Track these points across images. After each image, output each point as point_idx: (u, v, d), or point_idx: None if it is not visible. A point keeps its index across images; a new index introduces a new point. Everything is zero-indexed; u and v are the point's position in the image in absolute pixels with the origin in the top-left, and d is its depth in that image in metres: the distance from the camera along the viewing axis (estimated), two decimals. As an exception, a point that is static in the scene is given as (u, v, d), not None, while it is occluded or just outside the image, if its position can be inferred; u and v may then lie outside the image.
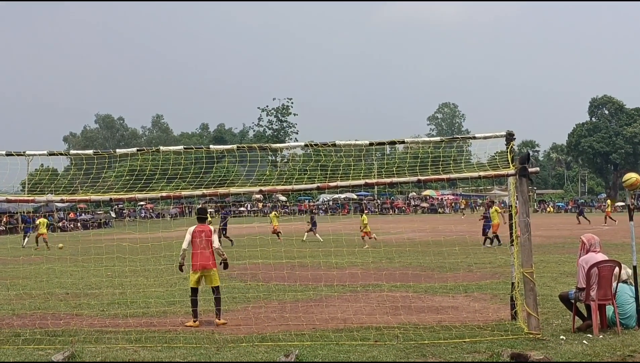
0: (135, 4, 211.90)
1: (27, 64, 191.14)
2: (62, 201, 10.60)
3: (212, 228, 11.09)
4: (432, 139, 10.56)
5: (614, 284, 9.14)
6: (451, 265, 17.36)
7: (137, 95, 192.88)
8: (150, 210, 75.58)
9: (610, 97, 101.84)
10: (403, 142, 10.29)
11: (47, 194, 10.51)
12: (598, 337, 8.62)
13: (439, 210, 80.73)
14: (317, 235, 29.93)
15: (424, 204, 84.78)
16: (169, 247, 11.32)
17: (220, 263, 10.96)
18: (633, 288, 9.33)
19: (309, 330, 9.68)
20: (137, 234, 31.57)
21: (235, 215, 67.55)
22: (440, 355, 7.95)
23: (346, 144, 9.80)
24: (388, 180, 9.78)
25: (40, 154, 10.15)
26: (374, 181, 10.06)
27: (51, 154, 10.19)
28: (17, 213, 43.59)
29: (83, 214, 61.82)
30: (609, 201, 50.51)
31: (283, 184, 10.75)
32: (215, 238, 10.91)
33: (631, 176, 9.67)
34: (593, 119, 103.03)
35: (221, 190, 10.24)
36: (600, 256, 9.26)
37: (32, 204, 10.78)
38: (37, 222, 31.92)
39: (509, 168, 9.28)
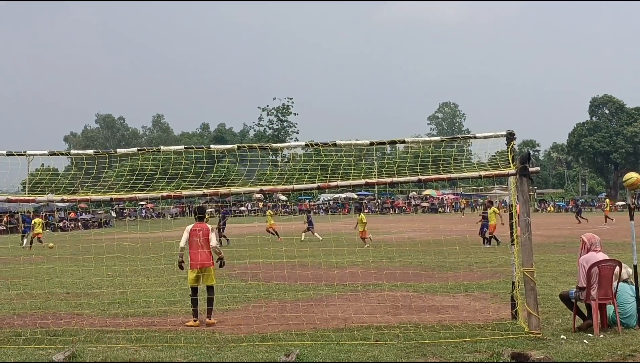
0: (135, 4, 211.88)
1: (28, 64, 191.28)
2: (62, 200, 10.61)
3: (209, 226, 11.11)
4: (432, 138, 10.56)
5: (615, 283, 9.15)
6: (452, 264, 17.37)
7: (137, 95, 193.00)
8: (151, 210, 75.61)
9: (610, 97, 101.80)
10: (404, 141, 10.29)
11: (48, 194, 10.50)
12: (599, 337, 8.62)
13: (440, 210, 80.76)
14: (315, 234, 29.91)
15: (425, 204, 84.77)
16: (170, 247, 11.33)
17: (217, 261, 10.95)
18: (633, 287, 9.34)
19: (309, 329, 9.69)
20: (137, 233, 31.58)
21: (236, 215, 67.57)
22: (441, 355, 7.96)
23: (347, 144, 9.81)
24: (388, 180, 9.78)
25: (40, 154, 10.16)
26: (374, 180, 10.06)
27: (52, 154, 10.19)
28: (17, 212, 43.57)
29: (84, 214, 61.85)
30: (607, 200, 50.53)
31: (283, 184, 10.75)
32: (213, 236, 10.92)
33: (632, 176, 9.67)
34: (593, 118, 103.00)
35: (222, 190, 10.25)
36: (601, 256, 9.26)
37: (32, 204, 10.79)
38: (32, 222, 32.00)
39: (510, 167, 9.28)
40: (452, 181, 9.95)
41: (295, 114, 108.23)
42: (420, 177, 9.67)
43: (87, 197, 10.11)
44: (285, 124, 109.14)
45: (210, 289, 10.62)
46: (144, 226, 45.41)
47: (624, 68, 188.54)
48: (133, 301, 12.62)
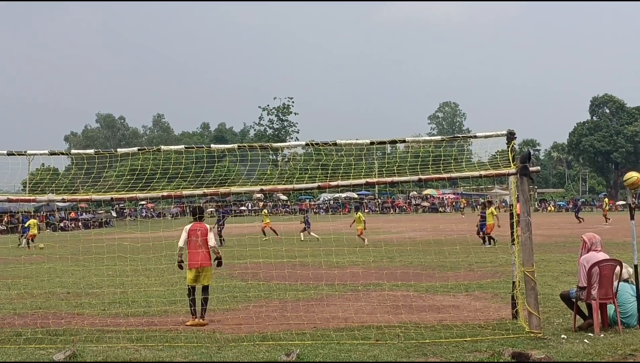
0: (135, 4, 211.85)
1: (28, 64, 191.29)
2: (63, 200, 10.61)
3: (208, 226, 11.11)
4: (433, 138, 10.56)
5: (615, 283, 9.14)
6: (452, 264, 17.37)
7: (138, 94, 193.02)
8: (151, 209, 75.62)
9: (611, 96, 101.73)
10: (404, 141, 10.30)
11: (48, 193, 10.51)
12: (599, 336, 8.62)
13: (440, 209, 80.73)
14: (312, 233, 29.90)
15: (425, 204, 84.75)
16: (170, 246, 11.34)
17: (214, 260, 10.94)
18: (634, 287, 9.34)
19: (310, 329, 9.69)
20: (138, 233, 31.59)
21: (236, 214, 67.55)
22: (441, 354, 7.96)
23: (347, 144, 9.80)
24: (389, 179, 9.78)
25: (41, 154, 10.16)
26: (374, 180, 10.05)
27: (52, 153, 10.19)
28: (18, 212, 43.63)
29: (84, 213, 61.85)
30: (605, 200, 50.51)
31: (284, 184, 10.74)
32: (211, 236, 10.93)
33: (632, 175, 9.67)
34: (594, 118, 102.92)
35: (222, 189, 10.25)
36: (602, 255, 9.26)
37: (33, 203, 10.80)
38: (27, 223, 32.06)
39: (510, 167, 9.28)
40: (452, 180, 9.92)
41: (295, 113, 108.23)
42: (421, 176, 9.66)
43: (88, 197, 10.11)
44: (285, 123, 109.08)
45: (205, 289, 10.63)
46: (144, 225, 45.43)
47: (624, 68, 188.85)
48: (133, 301, 12.63)
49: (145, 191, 10.32)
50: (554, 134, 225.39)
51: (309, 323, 10.13)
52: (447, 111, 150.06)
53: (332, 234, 25.63)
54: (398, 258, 19.59)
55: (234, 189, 10.58)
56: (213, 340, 9.04)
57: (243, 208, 76.30)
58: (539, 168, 10.43)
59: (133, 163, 16.82)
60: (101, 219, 59.95)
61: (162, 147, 10.00)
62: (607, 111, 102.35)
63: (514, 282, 9.99)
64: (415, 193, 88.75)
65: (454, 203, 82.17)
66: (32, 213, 39.02)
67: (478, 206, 28.30)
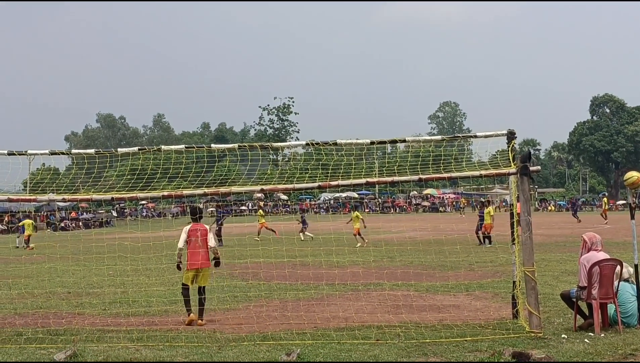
0: (135, 4, 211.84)
1: (28, 64, 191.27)
2: (63, 200, 10.62)
3: (207, 227, 11.11)
4: (433, 138, 10.57)
5: (616, 282, 9.14)
6: (452, 263, 17.37)
7: (138, 94, 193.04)
8: (152, 209, 75.63)
9: (611, 96, 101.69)
10: (404, 141, 10.30)
11: (49, 193, 10.52)
12: (599, 336, 8.62)
13: (440, 209, 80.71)
14: (307, 233, 29.89)
15: (425, 203, 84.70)
16: (171, 246, 11.38)
17: (212, 260, 10.94)
18: (634, 286, 9.34)
19: (310, 329, 9.70)
20: (138, 233, 31.60)
21: (237, 214, 67.57)
22: (442, 354, 7.96)
23: (347, 143, 9.81)
24: (389, 179, 9.77)
25: (42, 154, 10.17)
26: (375, 179, 10.05)
27: (53, 153, 10.20)
28: (18, 212, 43.65)
29: (85, 213, 61.85)
30: (604, 199, 50.49)
31: (284, 183, 10.75)
32: (211, 236, 10.95)
33: (632, 175, 9.68)
34: (594, 117, 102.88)
35: (222, 189, 10.26)
36: (602, 255, 9.26)
37: (33, 203, 10.80)
38: (21, 223, 32.10)
39: (510, 166, 9.28)
40: (452, 180, 9.93)
41: (295, 113, 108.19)
42: (421, 176, 9.66)
43: (88, 196, 10.11)
44: (286, 123, 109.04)
45: (202, 290, 10.62)
46: (145, 225, 45.43)
47: (624, 68, 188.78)
48: (134, 300, 12.64)
49: (145, 191, 10.32)
50: (554, 134, 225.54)
51: (309, 322, 10.14)
52: (447, 111, 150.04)
53: (333, 234, 25.60)
54: (398, 257, 19.60)
55: (234, 189, 10.58)
56: (214, 340, 9.05)
57: (243, 207, 76.28)
58: (539, 167, 10.42)
59: (133, 162, 16.83)
60: (102, 219, 59.95)
61: (163, 147, 10.01)
62: (608, 110, 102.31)
63: (514, 282, 9.99)
64: (415, 192, 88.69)
65: (454, 203, 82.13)
66: (33, 213, 39.01)
67: (478, 206, 28.30)
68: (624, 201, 72.96)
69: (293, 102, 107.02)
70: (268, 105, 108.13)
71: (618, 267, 9.16)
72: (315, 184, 9.78)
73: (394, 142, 10.07)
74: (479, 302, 11.83)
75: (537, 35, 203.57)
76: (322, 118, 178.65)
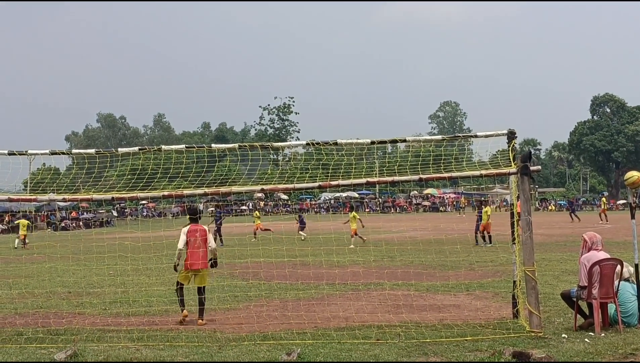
0: (135, 4, 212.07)
1: (28, 64, 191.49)
2: (64, 200, 10.62)
3: (206, 227, 11.11)
4: (433, 137, 10.57)
5: (616, 282, 9.14)
6: (453, 263, 17.37)
7: (138, 94, 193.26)
8: (152, 209, 75.65)
9: (612, 96, 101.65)
10: (404, 140, 10.30)
11: (50, 193, 10.52)
12: (600, 335, 8.62)
13: (441, 209, 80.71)
14: (301, 232, 29.87)
15: (426, 203, 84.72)
16: (171, 246, 11.39)
17: (210, 260, 10.96)
18: (635, 286, 9.34)
19: (310, 328, 9.70)
20: (139, 233, 31.60)
21: (237, 214, 67.61)
22: (442, 354, 7.96)
23: (348, 143, 9.81)
24: (390, 179, 9.77)
25: (42, 154, 10.17)
26: (375, 179, 10.05)
27: (53, 153, 10.20)
28: (19, 212, 43.69)
29: (85, 213, 61.89)
30: (603, 199, 50.49)
31: (285, 183, 10.75)
32: (210, 237, 10.96)
33: (633, 175, 9.68)
34: (595, 117, 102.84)
35: (223, 189, 10.26)
36: (602, 255, 9.26)
37: (34, 203, 10.81)
38: (16, 223, 32.14)
39: (511, 166, 9.28)
40: (453, 180, 9.93)
41: (296, 113, 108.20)
42: (422, 176, 9.66)
43: (89, 196, 10.12)
44: (286, 123, 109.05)
45: (201, 290, 10.63)
46: (145, 225, 45.43)
47: (624, 67, 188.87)
48: (134, 300, 12.64)
49: (146, 191, 10.33)
50: (555, 134, 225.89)
51: (309, 322, 10.14)
52: (447, 111, 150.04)
53: (333, 233, 25.59)
54: (399, 257, 19.60)
55: (234, 188, 10.59)
56: (214, 340, 9.05)
57: (244, 207, 76.29)
58: (539, 167, 10.43)
59: (134, 162, 16.82)
60: (102, 218, 59.95)
61: (163, 147, 10.01)
62: (608, 110, 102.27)
63: (514, 281, 9.99)
64: (416, 192, 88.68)
65: (454, 203, 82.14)
66: (33, 212, 39.03)
67: (476, 206, 28.37)
68: (624, 201, 72.93)
69: (293, 102, 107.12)
70: (268, 105, 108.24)
71: (618, 267, 9.16)
72: (316, 184, 9.78)
73: (394, 142, 10.07)
74: (479, 302, 11.82)
75: (537, 35, 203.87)
76: (323, 118, 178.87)
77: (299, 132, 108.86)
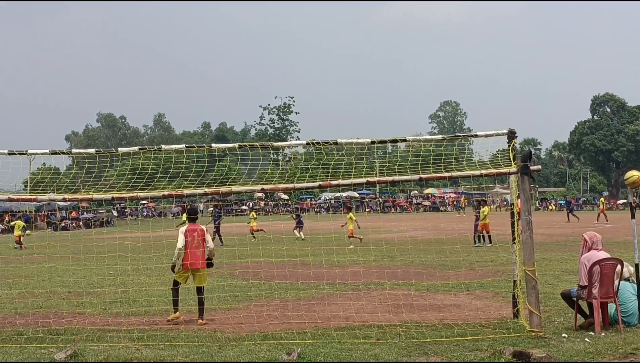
0: (135, 4, 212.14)
1: (28, 64, 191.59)
2: (64, 199, 10.61)
3: (204, 227, 11.11)
4: (433, 137, 10.56)
5: (616, 282, 9.14)
6: (453, 263, 17.36)
7: (138, 94, 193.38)
8: (152, 209, 75.65)
9: (612, 95, 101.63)
10: (405, 140, 10.30)
11: (50, 193, 10.52)
12: (600, 335, 8.61)
13: (441, 208, 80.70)
14: (295, 231, 29.85)
15: (426, 203, 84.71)
16: (171, 246, 11.41)
17: (206, 260, 10.96)
18: (635, 285, 9.34)
19: (311, 328, 9.70)
20: (139, 232, 31.61)
21: (237, 214, 67.60)
22: (442, 353, 7.95)
23: (348, 143, 9.80)
24: (390, 178, 9.77)
25: (42, 153, 10.16)
26: (375, 179, 10.04)
27: (53, 153, 10.20)
28: (19, 211, 43.71)
29: (85, 213, 61.91)
30: (601, 199, 50.47)
31: (285, 183, 10.74)
32: (209, 238, 10.97)
33: (633, 174, 9.68)
34: (595, 117, 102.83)
35: (223, 189, 10.25)
36: (603, 254, 9.25)
37: (34, 203, 10.81)
38: (12, 224, 32.17)
39: (511, 166, 9.28)
40: (453, 179, 9.93)
41: (296, 113, 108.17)
42: (422, 176, 9.66)
43: (89, 196, 10.11)
44: (286, 123, 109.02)
45: (200, 290, 10.64)
46: (145, 225, 45.45)
47: (624, 67, 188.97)
48: (135, 300, 12.64)
49: (146, 191, 10.32)
50: (555, 133, 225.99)
51: (310, 322, 10.14)
52: (448, 110, 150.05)
53: (333, 233, 25.59)
54: (399, 257, 19.60)
55: (234, 188, 10.58)
56: (214, 339, 9.05)
57: (244, 207, 76.27)
58: (539, 166, 10.42)
59: (134, 162, 16.82)
60: (102, 218, 59.96)
61: (163, 146, 10.00)
62: (608, 109, 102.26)
63: (515, 281, 9.99)
64: (416, 192, 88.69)
65: (455, 202, 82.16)
66: (33, 212, 39.05)
67: (474, 206, 28.41)
68: (624, 201, 72.92)
69: (294, 101, 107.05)
70: (269, 105, 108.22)
71: (619, 266, 9.15)
72: (316, 184, 9.77)
73: (394, 141, 10.06)
74: (479, 301, 11.82)
75: (537, 35, 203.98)
76: (323, 118, 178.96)
77: (299, 132, 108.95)
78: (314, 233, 29.98)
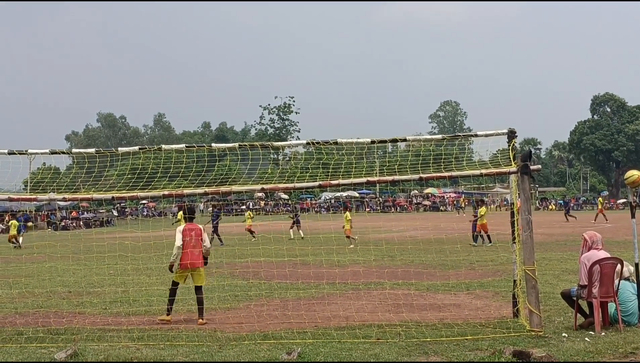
0: (135, 4, 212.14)
1: (28, 64, 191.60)
2: (64, 199, 10.62)
3: (201, 227, 11.12)
4: (434, 137, 10.55)
5: (616, 281, 9.14)
6: (453, 262, 17.36)
7: (139, 94, 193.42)
8: (153, 208, 75.66)
9: (612, 95, 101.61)
10: (405, 140, 10.29)
11: (50, 193, 10.52)
12: (600, 335, 8.62)
13: (441, 208, 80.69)
14: (291, 231, 29.80)
15: (426, 202, 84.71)
16: (171, 245, 11.42)
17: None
18: (635, 285, 9.34)
19: (311, 327, 9.70)
20: (139, 232, 31.60)
21: (237, 214, 67.64)
22: (442, 353, 7.96)
23: (348, 142, 9.80)
24: (390, 178, 9.77)
25: (42, 153, 10.16)
26: (375, 178, 10.04)
27: (53, 152, 10.19)
28: (19, 211, 43.72)
29: (85, 212, 61.94)
30: (599, 199, 50.47)
31: (285, 183, 10.75)
32: (206, 237, 10.98)
33: (633, 174, 9.68)
34: (595, 116, 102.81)
35: (223, 188, 10.25)
36: (603, 254, 9.26)
37: (34, 203, 10.82)
38: (9, 224, 32.16)
39: (511, 165, 9.28)
40: (453, 179, 9.93)
41: (296, 113, 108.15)
42: (422, 175, 9.66)
43: (89, 196, 10.12)
44: (286, 122, 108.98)
45: (199, 289, 10.64)
46: (145, 224, 45.46)
47: (624, 67, 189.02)
48: (135, 300, 12.65)
49: (146, 190, 10.32)
50: (555, 133, 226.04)
51: (310, 321, 10.14)
52: (448, 110, 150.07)
53: (333, 233, 25.60)
54: (399, 256, 19.60)
55: (235, 188, 10.58)
56: (214, 339, 9.05)
57: (244, 207, 76.28)
58: (539, 166, 10.41)
59: (134, 162, 16.84)
60: (102, 218, 60.01)
61: (163, 146, 10.00)
62: (608, 109, 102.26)
63: (515, 281, 9.99)
64: (416, 191, 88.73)
65: (455, 202, 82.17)
66: (35, 212, 39.04)
67: (473, 206, 28.42)
68: (624, 200, 72.92)
69: (294, 101, 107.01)
70: (269, 104, 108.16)
71: (618, 266, 9.15)
72: (316, 184, 9.77)
73: (394, 141, 10.05)
74: (479, 301, 11.82)
75: (537, 35, 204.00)
76: (323, 118, 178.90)
77: (299, 131, 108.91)
78: (314, 232, 29.97)
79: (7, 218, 51.90)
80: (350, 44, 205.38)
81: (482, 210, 24.90)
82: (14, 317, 11.32)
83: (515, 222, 9.90)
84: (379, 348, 8.26)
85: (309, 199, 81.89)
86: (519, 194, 9.52)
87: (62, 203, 51.91)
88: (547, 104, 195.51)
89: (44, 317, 11.01)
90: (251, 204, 76.74)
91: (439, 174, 9.79)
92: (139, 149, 10.00)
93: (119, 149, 10.16)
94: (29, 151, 9.97)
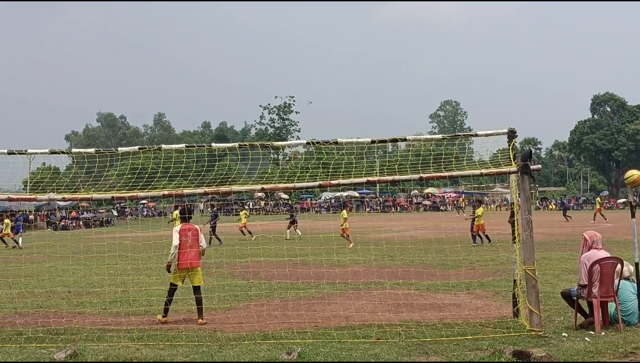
0: (135, 4, 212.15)
1: (28, 64, 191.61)
2: (64, 199, 10.60)
3: (198, 227, 11.11)
4: (434, 136, 10.54)
5: (616, 281, 9.14)
6: (453, 262, 17.36)
7: (138, 94, 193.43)
8: (152, 208, 75.65)
9: (612, 95, 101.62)
10: (405, 139, 10.29)
11: (49, 192, 10.51)
12: (600, 334, 8.61)
13: (441, 208, 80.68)
14: (287, 231, 29.82)
15: (426, 202, 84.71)
16: (171, 245, 11.45)
17: None
18: (635, 285, 9.33)
19: (311, 327, 9.69)
20: (139, 232, 31.61)
21: (237, 214, 67.66)
22: (442, 353, 7.95)
23: (348, 142, 9.79)
24: (390, 178, 9.76)
25: (42, 153, 10.14)
26: (375, 178, 10.03)
27: (53, 152, 10.18)
28: (18, 211, 43.74)
29: (85, 212, 61.93)
30: (598, 199, 50.48)
31: (285, 182, 10.74)
32: (202, 237, 10.96)
33: (633, 173, 9.67)
34: (595, 116, 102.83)
35: (223, 188, 10.25)
36: (603, 253, 9.25)
37: (34, 203, 10.81)
38: (5, 223, 32.17)
39: (511, 165, 9.27)
40: (453, 179, 9.92)
41: (297, 112, 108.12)
42: (422, 175, 9.65)
43: (89, 196, 10.11)
44: (286, 122, 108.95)
45: (197, 289, 10.63)
46: (145, 224, 45.44)
47: (624, 67, 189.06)
48: (134, 300, 12.64)
49: (146, 190, 10.32)
50: (555, 133, 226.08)
51: (310, 321, 10.13)
52: (448, 110, 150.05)
53: (334, 233, 25.59)
54: (399, 256, 19.60)
55: (235, 188, 10.58)
56: (214, 339, 9.04)
57: (244, 206, 76.25)
58: (540, 166, 10.40)
59: (134, 161, 16.83)
60: (102, 218, 60.02)
61: (163, 146, 10.00)
62: (608, 109, 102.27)
63: (515, 280, 9.98)
64: (416, 191, 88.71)
65: (455, 202, 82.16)
66: (33, 212, 39.05)
67: (472, 206, 28.45)
68: (624, 200, 72.92)
69: (294, 101, 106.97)
70: (269, 104, 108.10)
71: (619, 265, 9.15)
72: (316, 183, 9.76)
73: (395, 141, 10.05)
74: (479, 301, 11.82)
75: (537, 35, 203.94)
76: (323, 118, 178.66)
77: (299, 131, 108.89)
78: (314, 232, 29.97)
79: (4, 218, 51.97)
80: (350, 44, 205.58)
81: (479, 211, 24.90)
82: (13, 317, 11.32)
83: (515, 222, 9.89)
84: (379, 348, 8.25)
85: (309, 199, 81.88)
86: (519, 194, 9.51)
87: (61, 203, 51.93)
88: (547, 104, 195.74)
89: (43, 317, 11.01)
90: (251, 204, 76.79)
91: (439, 174, 9.78)
92: (139, 149, 9.99)
93: (119, 149, 10.15)
94: (29, 150, 9.96)
